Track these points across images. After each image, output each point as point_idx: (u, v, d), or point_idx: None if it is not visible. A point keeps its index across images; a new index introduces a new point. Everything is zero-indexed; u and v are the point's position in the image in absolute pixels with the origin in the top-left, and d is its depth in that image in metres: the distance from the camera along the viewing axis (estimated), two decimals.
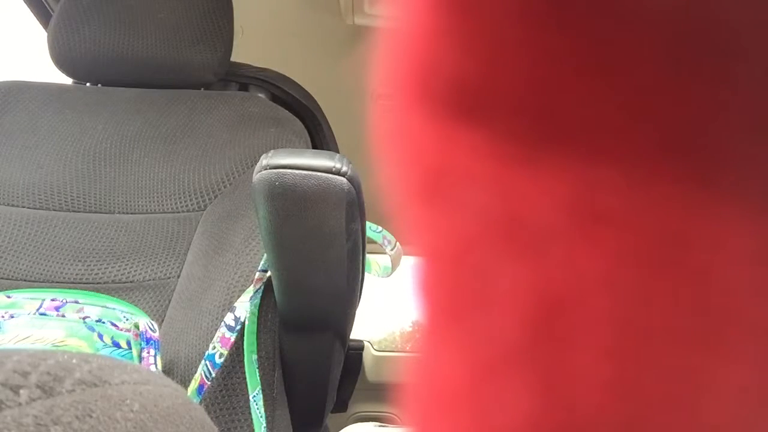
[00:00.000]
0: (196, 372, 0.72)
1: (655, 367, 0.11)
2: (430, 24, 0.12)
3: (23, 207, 0.91)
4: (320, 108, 1.25)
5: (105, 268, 0.86)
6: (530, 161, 0.11)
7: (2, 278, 0.84)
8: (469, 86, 0.12)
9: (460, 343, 0.12)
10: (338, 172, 0.62)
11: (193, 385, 0.71)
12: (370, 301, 1.44)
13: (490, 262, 0.12)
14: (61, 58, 1.04)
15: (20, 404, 0.24)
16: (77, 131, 0.99)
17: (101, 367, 0.29)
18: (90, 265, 0.86)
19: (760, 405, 0.11)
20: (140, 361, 0.69)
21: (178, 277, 0.85)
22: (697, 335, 0.11)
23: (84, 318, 0.70)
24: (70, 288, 0.82)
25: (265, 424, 0.70)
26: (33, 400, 0.25)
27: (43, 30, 1.31)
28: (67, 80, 1.11)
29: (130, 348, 0.70)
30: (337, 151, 1.10)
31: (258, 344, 0.74)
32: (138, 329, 0.71)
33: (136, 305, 0.79)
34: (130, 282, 0.85)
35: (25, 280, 0.85)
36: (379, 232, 0.79)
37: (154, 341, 0.71)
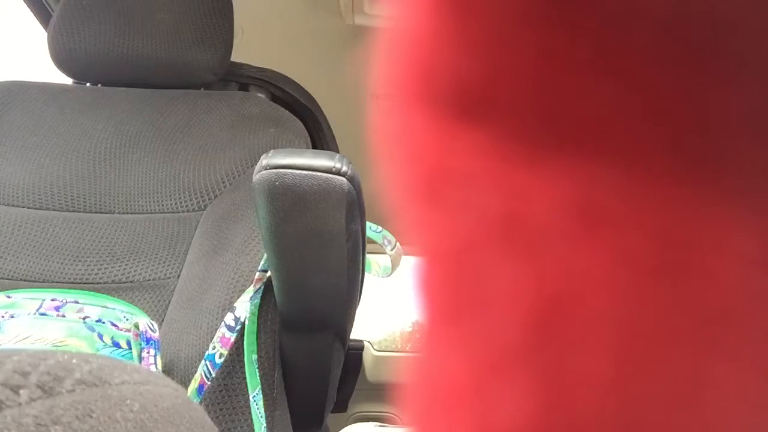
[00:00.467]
0: (196, 372, 0.72)
1: (655, 367, 0.11)
2: (432, 24, 0.12)
3: (23, 207, 0.91)
4: (320, 108, 1.25)
5: (105, 268, 0.86)
6: (531, 162, 0.11)
7: (2, 278, 0.84)
8: (471, 86, 0.12)
9: (461, 343, 0.12)
10: (338, 172, 0.62)
11: (193, 385, 0.71)
12: (370, 301, 1.44)
13: (491, 262, 0.12)
14: (61, 58, 1.04)
15: (20, 404, 0.24)
16: (77, 131, 0.99)
17: (101, 367, 0.29)
18: (90, 265, 0.86)
19: (760, 405, 0.11)
20: (140, 361, 0.69)
21: (178, 277, 0.85)
22: (697, 336, 0.11)
23: (84, 318, 0.70)
24: (70, 288, 0.82)
25: (265, 424, 0.70)
26: (33, 400, 0.25)
27: (43, 30, 1.31)
28: (67, 80, 1.11)
29: (130, 348, 0.70)
30: (337, 151, 1.10)
31: (258, 344, 0.74)
32: (138, 329, 0.71)
33: (136, 305, 0.79)
34: (130, 282, 0.85)
35: (25, 280, 0.85)
36: (379, 232, 0.79)
37: (154, 341, 0.71)
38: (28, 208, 0.91)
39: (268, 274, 0.74)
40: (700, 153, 0.11)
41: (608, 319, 0.11)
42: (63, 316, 0.69)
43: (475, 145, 0.12)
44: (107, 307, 0.72)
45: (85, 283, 0.84)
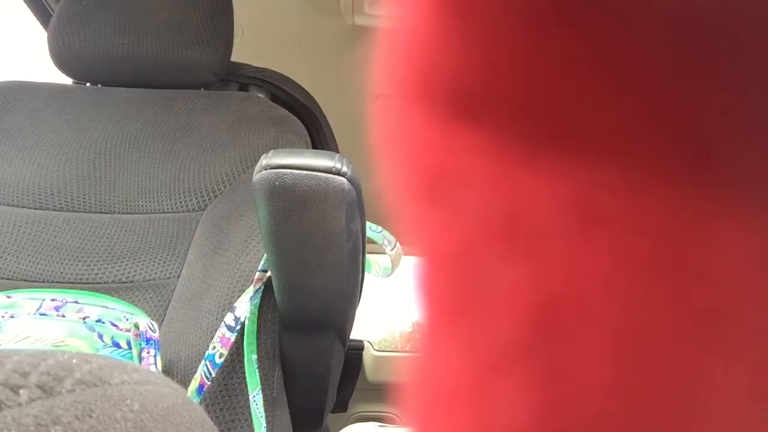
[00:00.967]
0: (196, 372, 0.72)
1: (655, 367, 0.11)
2: (431, 24, 0.12)
3: (23, 207, 0.91)
4: (320, 108, 1.25)
5: (105, 268, 0.86)
6: (531, 161, 0.11)
7: (2, 278, 0.84)
8: (470, 86, 0.12)
9: (461, 343, 0.12)
10: (338, 172, 0.62)
11: (193, 385, 0.71)
12: (370, 301, 1.44)
13: (491, 262, 0.12)
14: (61, 58, 1.04)
15: (20, 404, 0.24)
16: (77, 131, 0.99)
17: (101, 367, 0.29)
18: (90, 265, 0.86)
19: (760, 406, 0.11)
20: (140, 361, 0.69)
21: (178, 277, 0.85)
22: (697, 336, 0.11)
23: (84, 318, 0.70)
24: (70, 288, 0.82)
25: (265, 424, 0.70)
26: (33, 400, 0.25)
27: (43, 30, 1.31)
28: (67, 80, 1.11)
29: (130, 348, 0.70)
30: (337, 151, 1.10)
31: (258, 344, 0.74)
32: (138, 329, 0.71)
33: (136, 305, 0.79)
34: (130, 282, 0.85)
35: (25, 280, 0.85)
36: (379, 232, 0.79)
37: (154, 341, 0.71)
38: (28, 208, 0.91)
39: (268, 274, 0.74)
40: (700, 153, 0.11)
41: (608, 319, 0.11)
42: (63, 316, 0.69)
43: (474, 144, 0.12)
44: (107, 307, 0.72)
45: (85, 283, 0.84)
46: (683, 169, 0.11)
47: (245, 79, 1.19)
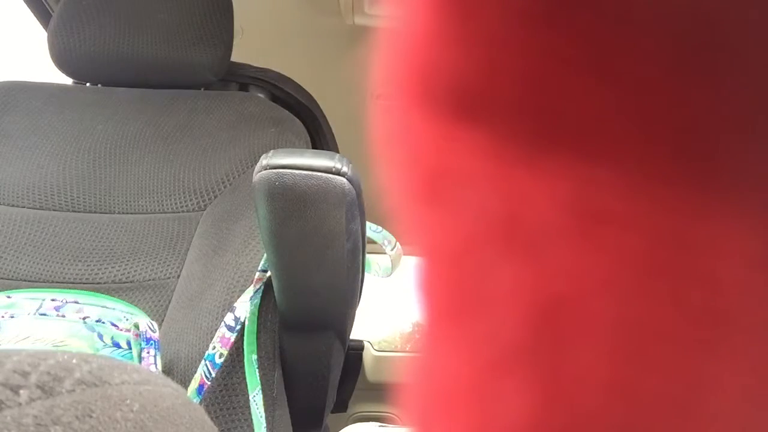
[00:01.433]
0: (196, 372, 0.72)
1: (655, 367, 0.11)
2: (431, 24, 0.12)
3: (23, 207, 0.91)
4: (320, 108, 1.25)
5: (105, 268, 0.86)
6: (530, 161, 0.11)
7: (2, 278, 0.84)
8: (469, 86, 0.12)
9: (461, 343, 0.12)
10: (338, 172, 0.62)
11: (193, 385, 0.71)
12: (370, 301, 1.44)
13: (491, 262, 0.12)
14: (61, 58, 1.04)
15: (20, 404, 0.24)
16: (77, 131, 0.99)
17: (101, 367, 0.29)
18: (90, 265, 0.86)
19: (760, 407, 0.11)
20: (140, 361, 0.69)
21: (178, 277, 0.85)
22: (697, 336, 0.11)
23: (84, 318, 0.70)
24: (70, 288, 0.82)
25: (265, 424, 0.70)
26: (33, 400, 0.25)
27: (43, 30, 1.31)
28: (67, 80, 1.11)
29: (130, 348, 0.70)
30: (337, 151, 1.10)
31: (258, 344, 0.74)
32: (138, 329, 0.71)
33: (136, 305, 0.79)
34: (130, 282, 0.85)
35: (25, 280, 0.85)
36: (379, 232, 0.79)
37: (154, 341, 0.71)
38: (28, 208, 0.91)
39: (268, 274, 0.74)
40: (700, 153, 0.11)
41: (608, 319, 0.11)
42: (63, 316, 0.69)
43: (474, 145, 0.12)
44: (107, 307, 0.72)
45: (85, 283, 0.84)
46: (683, 169, 0.11)
47: (245, 79, 1.19)
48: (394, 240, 0.79)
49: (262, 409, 0.70)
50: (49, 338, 0.67)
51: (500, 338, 0.11)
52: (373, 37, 0.13)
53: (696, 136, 0.11)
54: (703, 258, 0.11)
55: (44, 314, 0.69)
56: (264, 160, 0.63)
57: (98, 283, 0.84)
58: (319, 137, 1.24)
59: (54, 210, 0.92)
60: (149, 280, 0.85)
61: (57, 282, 0.85)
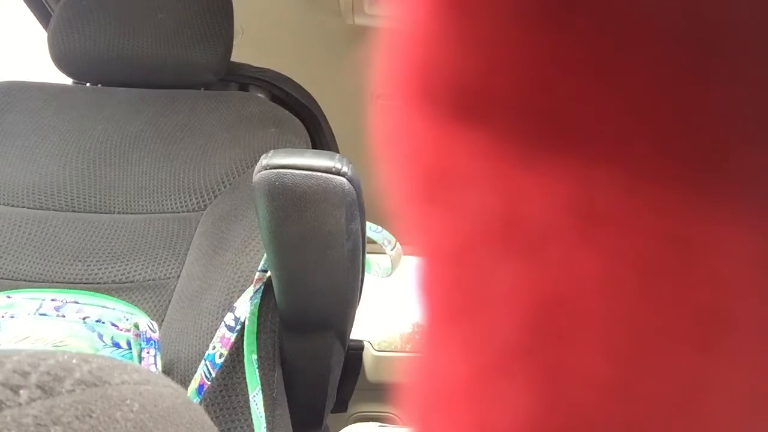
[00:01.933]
0: (196, 372, 0.72)
1: (654, 367, 0.11)
2: (431, 24, 0.12)
3: (23, 207, 0.91)
4: (320, 108, 1.25)
5: (105, 268, 0.86)
6: (530, 162, 0.11)
7: (2, 278, 0.84)
8: (469, 86, 0.12)
9: (461, 343, 0.12)
10: (338, 172, 0.62)
11: (193, 385, 0.71)
12: (370, 301, 1.44)
13: (490, 262, 0.12)
14: (61, 58, 1.04)
15: (20, 404, 0.24)
16: (77, 131, 0.99)
17: (101, 367, 0.29)
18: (90, 265, 0.86)
19: (760, 407, 0.11)
20: (140, 361, 0.69)
21: (178, 277, 0.85)
22: (697, 336, 0.11)
23: (84, 318, 0.70)
24: (70, 288, 0.82)
25: (265, 424, 0.70)
26: (33, 400, 0.25)
27: (43, 30, 1.31)
28: (67, 80, 1.11)
29: (130, 348, 0.70)
30: (337, 151, 1.10)
31: (258, 344, 0.74)
32: (138, 329, 0.71)
33: (136, 305, 0.79)
34: (130, 282, 0.85)
35: (25, 280, 0.85)
36: (379, 232, 0.79)
37: (154, 341, 0.71)
38: (28, 208, 0.91)
39: (268, 274, 0.74)
40: (700, 152, 0.11)
41: (608, 319, 0.11)
42: (63, 316, 0.69)
43: (473, 145, 0.12)
44: (107, 308, 0.72)
45: (85, 283, 0.84)
46: (683, 169, 0.11)
47: (245, 79, 1.19)
48: (394, 240, 0.79)
49: (262, 409, 0.70)
50: (49, 338, 0.67)
51: (499, 338, 0.11)
52: (373, 37, 0.13)
53: (695, 137, 0.11)
54: (703, 258, 0.11)
55: (44, 314, 0.69)
56: (264, 160, 0.63)
57: (98, 283, 0.84)
58: (319, 137, 1.24)
59: (54, 210, 0.92)
60: (149, 280, 0.85)
61: (57, 282, 0.85)
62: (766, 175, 0.11)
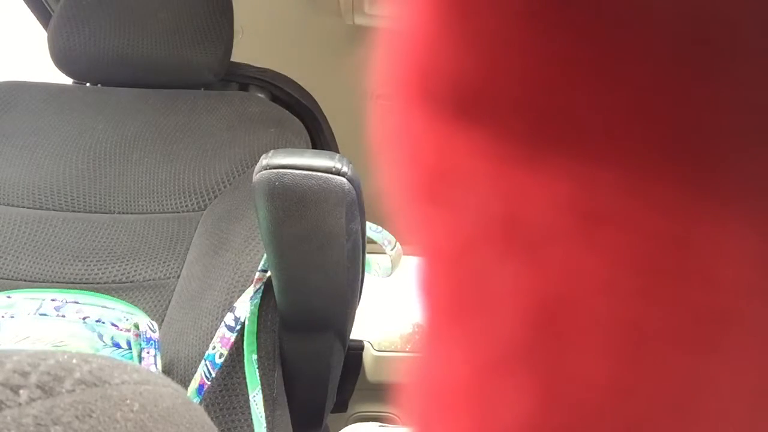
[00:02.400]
0: (196, 372, 0.72)
1: (654, 368, 0.11)
2: (431, 24, 0.12)
3: (23, 207, 0.91)
4: (320, 108, 1.25)
5: (105, 268, 0.86)
6: (530, 162, 0.11)
7: (2, 278, 0.84)
8: (470, 86, 0.12)
9: (461, 343, 0.12)
10: (338, 172, 0.62)
11: (193, 385, 0.71)
12: (370, 301, 1.44)
13: (490, 262, 0.12)
14: (61, 58, 1.04)
15: (20, 404, 0.24)
16: (77, 131, 0.99)
17: (101, 367, 0.29)
18: (90, 265, 0.86)
19: (760, 407, 0.11)
20: (140, 361, 0.69)
21: (178, 277, 0.85)
22: (697, 337, 0.11)
23: (84, 318, 0.70)
24: (70, 288, 0.82)
25: (265, 424, 0.70)
26: (33, 400, 0.25)
27: (43, 30, 1.31)
28: (67, 80, 1.11)
29: (130, 348, 0.70)
30: (337, 151, 1.10)
31: (258, 344, 0.74)
32: (138, 329, 0.71)
33: (136, 305, 0.79)
34: (130, 282, 0.85)
35: (25, 280, 0.85)
36: (379, 232, 0.79)
37: (155, 341, 0.71)
38: (28, 208, 0.91)
39: (268, 274, 0.74)
40: (700, 153, 0.11)
41: (608, 319, 0.11)
42: (63, 316, 0.69)
43: (474, 145, 0.12)
44: (107, 308, 0.72)
45: (85, 283, 0.84)
46: (683, 169, 0.11)
47: (245, 79, 1.19)
48: (394, 240, 0.79)
49: (262, 409, 0.70)
50: (49, 338, 0.67)
51: (500, 338, 0.11)
52: (373, 37, 0.13)
53: (696, 137, 0.11)
54: (703, 258, 0.11)
55: (44, 314, 0.69)
56: (264, 160, 0.63)
57: (98, 283, 0.84)
58: (319, 137, 1.24)
59: (54, 210, 0.92)
60: (149, 280, 0.85)
61: (57, 282, 0.85)
62: (765, 175, 0.11)
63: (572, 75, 0.11)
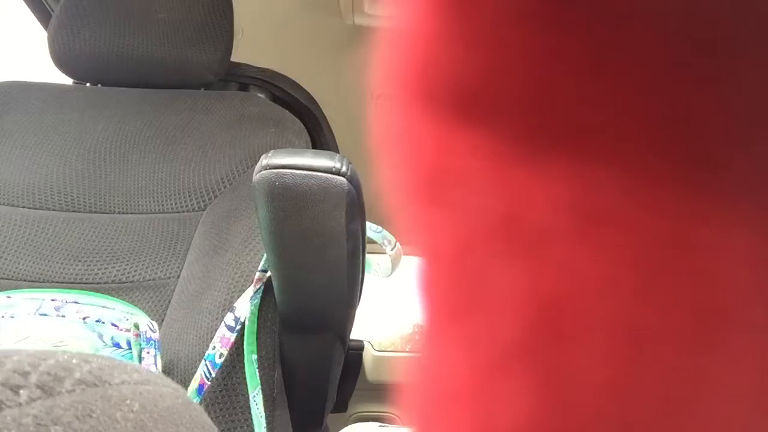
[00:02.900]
0: (196, 372, 0.72)
1: (653, 368, 0.11)
2: (431, 24, 0.12)
3: (23, 207, 0.91)
4: (320, 108, 1.25)
5: (105, 268, 0.86)
6: (530, 162, 0.11)
7: (2, 278, 0.84)
8: (470, 86, 0.12)
9: (461, 343, 0.12)
10: (338, 172, 0.62)
11: (193, 385, 0.71)
12: (370, 301, 1.44)
13: (490, 262, 0.12)
14: (61, 58, 1.04)
15: (20, 404, 0.24)
16: (77, 131, 0.99)
17: (101, 367, 0.29)
18: (90, 265, 0.86)
19: (760, 407, 0.11)
20: (140, 361, 0.69)
21: (178, 277, 0.85)
22: (696, 336, 0.11)
23: (84, 318, 0.70)
24: (70, 288, 0.82)
25: (265, 424, 0.70)
26: (33, 400, 0.25)
27: (43, 30, 1.31)
28: (67, 80, 1.11)
29: (130, 348, 0.70)
30: (337, 151, 1.10)
31: (258, 344, 0.74)
32: (138, 329, 0.71)
33: (136, 305, 0.79)
34: (130, 282, 0.85)
35: (25, 280, 0.85)
36: (379, 232, 0.79)
37: (155, 341, 0.71)
38: (28, 208, 0.91)
39: (268, 274, 0.74)
40: (700, 152, 0.11)
41: (608, 319, 0.11)
42: (63, 316, 0.69)
43: (474, 145, 0.12)
44: (107, 308, 0.72)
45: (85, 283, 0.84)
46: (683, 168, 0.11)
47: (245, 79, 1.19)
48: (394, 240, 0.79)
49: (262, 409, 0.70)
50: (49, 338, 0.67)
51: (500, 338, 0.11)
52: (373, 37, 0.13)
53: (697, 137, 0.11)
54: (703, 258, 0.11)
55: (44, 314, 0.69)
56: (264, 160, 0.63)
57: (98, 283, 0.84)
58: (319, 137, 1.24)
59: (54, 210, 0.92)
60: (149, 280, 0.85)
61: (57, 282, 0.85)
62: (765, 175, 0.11)
63: (572, 75, 0.11)
